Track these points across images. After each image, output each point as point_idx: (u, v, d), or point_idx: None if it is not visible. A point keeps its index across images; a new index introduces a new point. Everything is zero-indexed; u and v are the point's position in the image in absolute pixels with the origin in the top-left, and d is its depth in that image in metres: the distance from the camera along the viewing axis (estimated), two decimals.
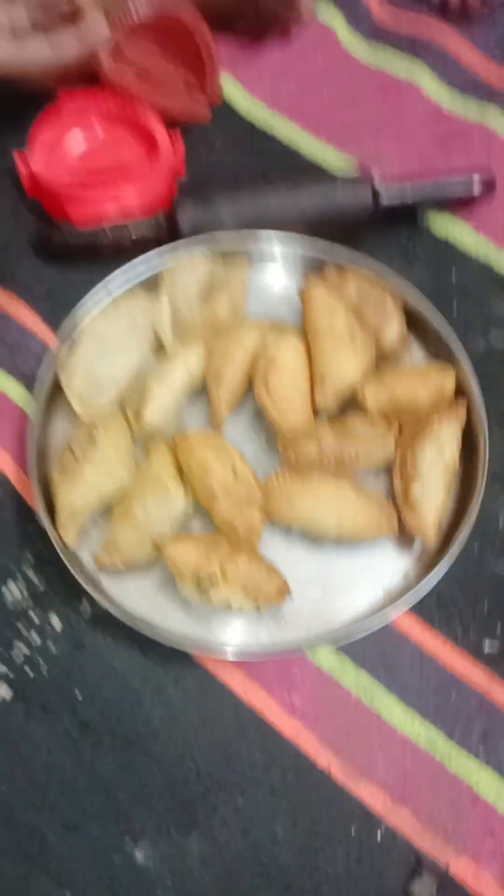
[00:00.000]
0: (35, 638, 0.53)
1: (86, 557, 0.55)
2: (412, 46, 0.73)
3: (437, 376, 0.56)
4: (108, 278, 0.60)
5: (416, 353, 0.60)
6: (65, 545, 0.53)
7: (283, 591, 0.50)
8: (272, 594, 0.50)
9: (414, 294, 0.59)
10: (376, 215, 0.63)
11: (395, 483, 0.54)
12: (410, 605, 0.51)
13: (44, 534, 0.53)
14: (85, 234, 0.63)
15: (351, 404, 0.56)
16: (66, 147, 0.68)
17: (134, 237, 0.63)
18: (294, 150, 0.70)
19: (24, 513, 0.56)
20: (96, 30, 0.63)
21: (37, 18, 0.63)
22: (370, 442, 0.54)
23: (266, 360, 0.56)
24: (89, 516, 0.55)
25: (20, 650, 0.53)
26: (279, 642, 0.52)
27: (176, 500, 0.52)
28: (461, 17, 0.75)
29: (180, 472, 0.54)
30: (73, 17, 0.63)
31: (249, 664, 0.52)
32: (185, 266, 0.61)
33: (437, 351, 0.59)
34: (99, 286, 0.59)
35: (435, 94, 0.71)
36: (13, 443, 0.58)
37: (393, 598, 0.52)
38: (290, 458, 0.53)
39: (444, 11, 0.76)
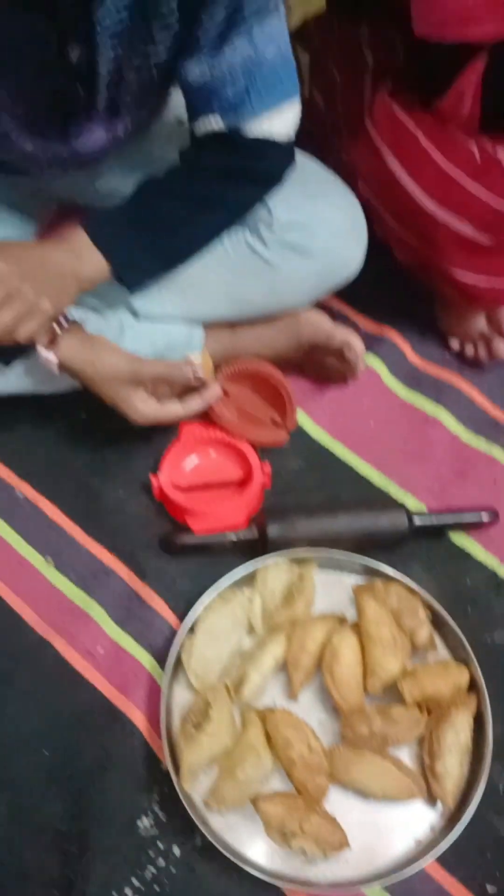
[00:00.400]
0: (161, 862, 0.74)
1: (196, 796, 0.75)
2: (437, 389, 1.00)
3: (456, 673, 0.78)
4: (217, 583, 0.83)
5: (440, 646, 0.82)
6: (184, 791, 0.74)
7: (343, 843, 0.70)
8: (335, 845, 0.70)
9: (438, 605, 0.82)
10: (410, 533, 0.87)
11: (424, 759, 0.75)
12: (435, 857, 0.71)
13: (167, 777, 0.74)
14: (199, 538, 0.88)
15: (392, 688, 0.78)
16: (184, 463, 0.94)
17: (235, 540, 0.88)
18: (349, 468, 0.95)
19: (152, 760, 0.78)
20: (213, 393, 0.90)
21: (175, 390, 0.90)
22: (407, 725, 0.75)
23: (331, 652, 0.79)
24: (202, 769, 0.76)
25: (150, 871, 0.73)
26: (339, 878, 0.71)
27: (266, 764, 0.74)
28: (474, 365, 1.02)
29: (268, 738, 0.76)
30: (199, 388, 0.90)
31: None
32: (272, 571, 0.85)
33: (456, 648, 0.81)
34: (212, 588, 0.83)
35: (454, 429, 0.97)
36: (145, 702, 0.81)
37: (422, 846, 0.72)
38: (348, 735, 0.75)
39: (461, 359, 1.03)
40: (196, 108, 0.78)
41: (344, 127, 0.95)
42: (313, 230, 0.89)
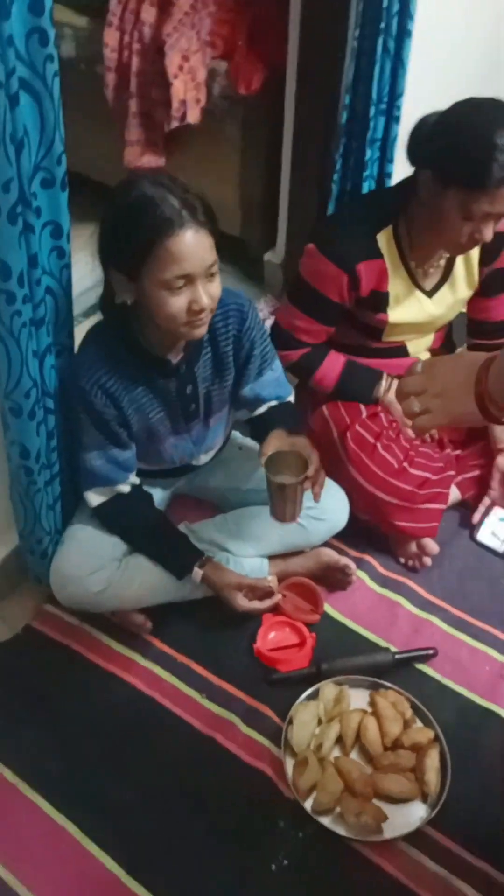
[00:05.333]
0: None
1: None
2: (397, 586, 1.83)
3: (427, 731, 1.53)
4: (299, 698, 1.58)
5: (417, 720, 1.58)
6: (295, 784, 1.43)
7: (384, 817, 1.42)
8: (381, 819, 1.41)
9: (414, 699, 1.59)
10: (394, 664, 1.66)
11: (417, 776, 1.49)
12: (427, 821, 1.42)
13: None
14: (282, 674, 1.64)
15: (397, 743, 1.53)
16: (268, 635, 1.72)
17: (304, 674, 1.64)
18: (355, 632, 1.74)
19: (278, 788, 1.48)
20: (277, 598, 1.71)
21: (256, 595, 1.70)
22: (407, 759, 1.49)
23: (363, 727, 1.53)
24: None
25: None
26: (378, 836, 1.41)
27: (337, 787, 1.46)
28: (413, 570, 1.87)
29: (340, 774, 1.47)
30: (270, 594, 1.71)
31: None
32: (326, 689, 1.60)
33: (426, 720, 1.57)
34: (297, 702, 1.57)
35: (407, 606, 1.79)
36: (272, 763, 1.51)
37: (422, 820, 1.44)
38: (378, 767, 1.49)
39: (406, 568, 1.88)
40: (254, 402, 1.68)
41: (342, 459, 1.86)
42: (326, 510, 1.76)
